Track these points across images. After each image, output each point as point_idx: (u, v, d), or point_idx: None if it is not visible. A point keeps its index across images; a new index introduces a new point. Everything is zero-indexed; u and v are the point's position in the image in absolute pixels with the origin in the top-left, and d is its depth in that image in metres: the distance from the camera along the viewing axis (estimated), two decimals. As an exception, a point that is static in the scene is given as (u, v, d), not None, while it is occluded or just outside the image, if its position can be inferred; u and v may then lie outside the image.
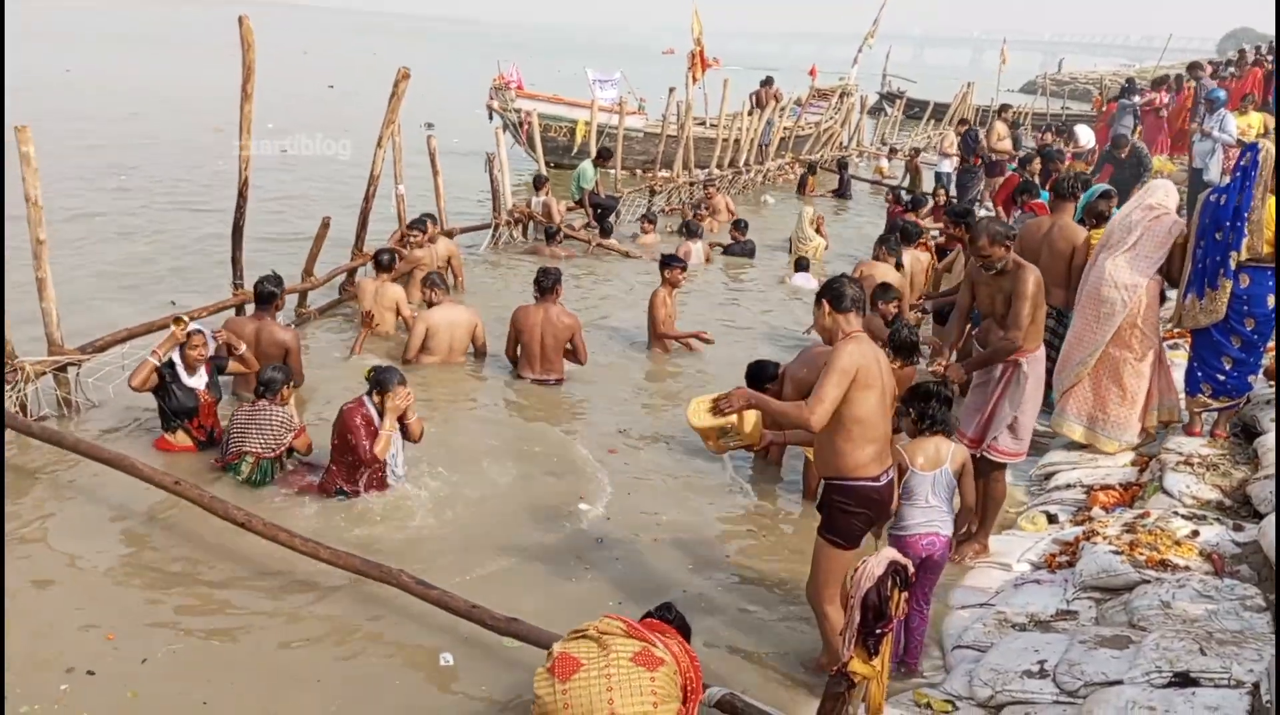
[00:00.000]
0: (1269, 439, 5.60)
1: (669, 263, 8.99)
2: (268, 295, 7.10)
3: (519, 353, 7.94)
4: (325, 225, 9.02)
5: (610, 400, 7.74)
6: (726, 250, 13.36)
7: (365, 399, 5.84)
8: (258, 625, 4.51)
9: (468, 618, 4.40)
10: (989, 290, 5.25)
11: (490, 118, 18.75)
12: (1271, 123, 13.19)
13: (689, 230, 12.48)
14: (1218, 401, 6.09)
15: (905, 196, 14.82)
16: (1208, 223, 5.92)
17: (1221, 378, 6.01)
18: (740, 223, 13.92)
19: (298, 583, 4.84)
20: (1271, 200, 5.71)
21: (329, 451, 5.83)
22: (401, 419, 5.87)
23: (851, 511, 4.02)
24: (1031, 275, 5.11)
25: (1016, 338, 5.12)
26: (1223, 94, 16.14)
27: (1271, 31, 25.79)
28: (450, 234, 11.34)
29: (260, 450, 5.83)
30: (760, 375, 6.35)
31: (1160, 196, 6.39)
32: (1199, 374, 6.13)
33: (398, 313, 8.64)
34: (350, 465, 5.73)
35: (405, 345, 8.00)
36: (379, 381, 5.81)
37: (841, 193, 19.04)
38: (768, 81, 22.37)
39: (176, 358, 6.24)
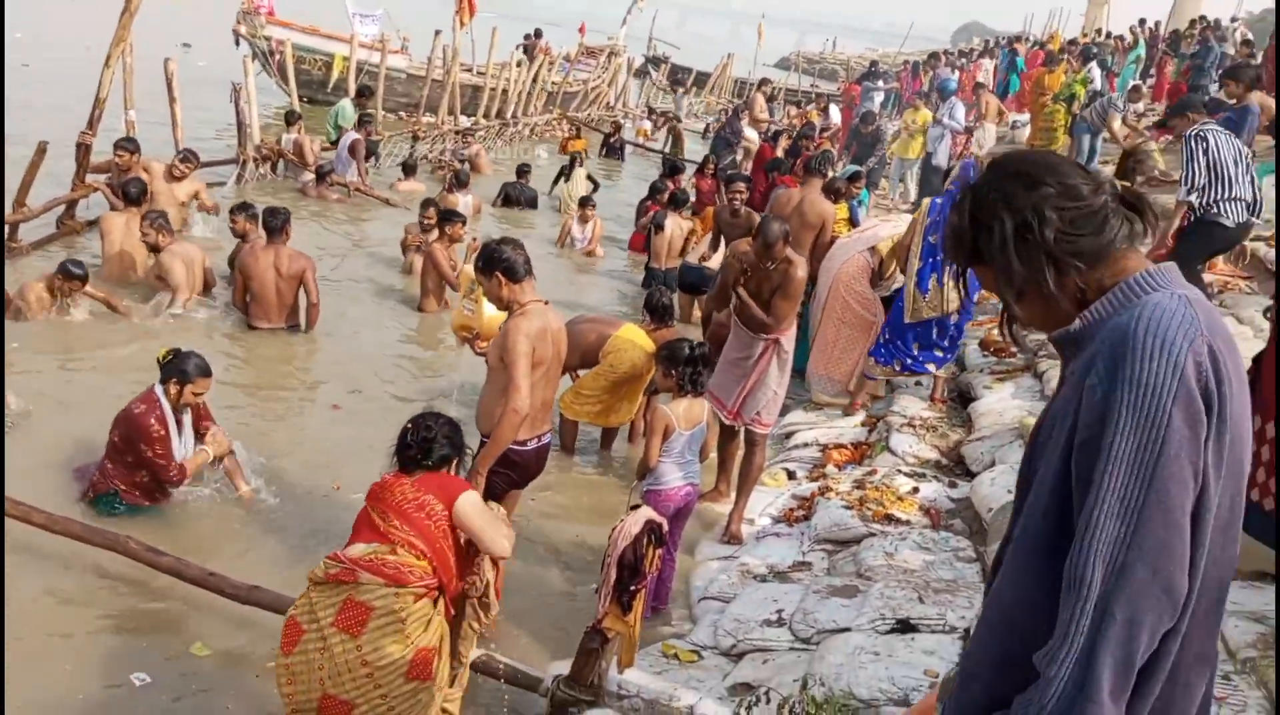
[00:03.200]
0: (981, 405, 6.22)
1: (449, 217, 8.67)
2: None
3: (249, 300, 7.44)
4: (41, 151, 8.05)
5: (355, 355, 7.42)
6: (506, 199, 13.15)
7: (158, 393, 4.79)
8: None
9: (205, 586, 4.12)
10: (757, 277, 5.32)
11: (237, 44, 17.39)
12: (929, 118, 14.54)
13: (458, 180, 12.19)
14: (903, 375, 6.81)
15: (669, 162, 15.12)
16: (929, 225, 6.48)
17: (909, 360, 6.64)
18: (523, 167, 13.74)
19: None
20: None
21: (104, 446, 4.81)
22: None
23: (495, 471, 4.10)
24: (800, 271, 5.25)
25: (773, 328, 5.33)
26: (953, 84, 17.62)
27: (999, 27, 28.30)
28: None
29: None
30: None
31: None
32: (889, 351, 6.69)
33: (150, 250, 7.72)
34: (132, 470, 4.77)
35: (160, 298, 7.33)
36: (180, 370, 4.77)
37: (614, 153, 19.17)
38: (538, 34, 22.13)
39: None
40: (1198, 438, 1.41)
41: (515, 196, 13.26)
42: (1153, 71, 19.17)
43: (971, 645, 1.66)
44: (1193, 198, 6.09)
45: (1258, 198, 6.19)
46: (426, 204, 9.26)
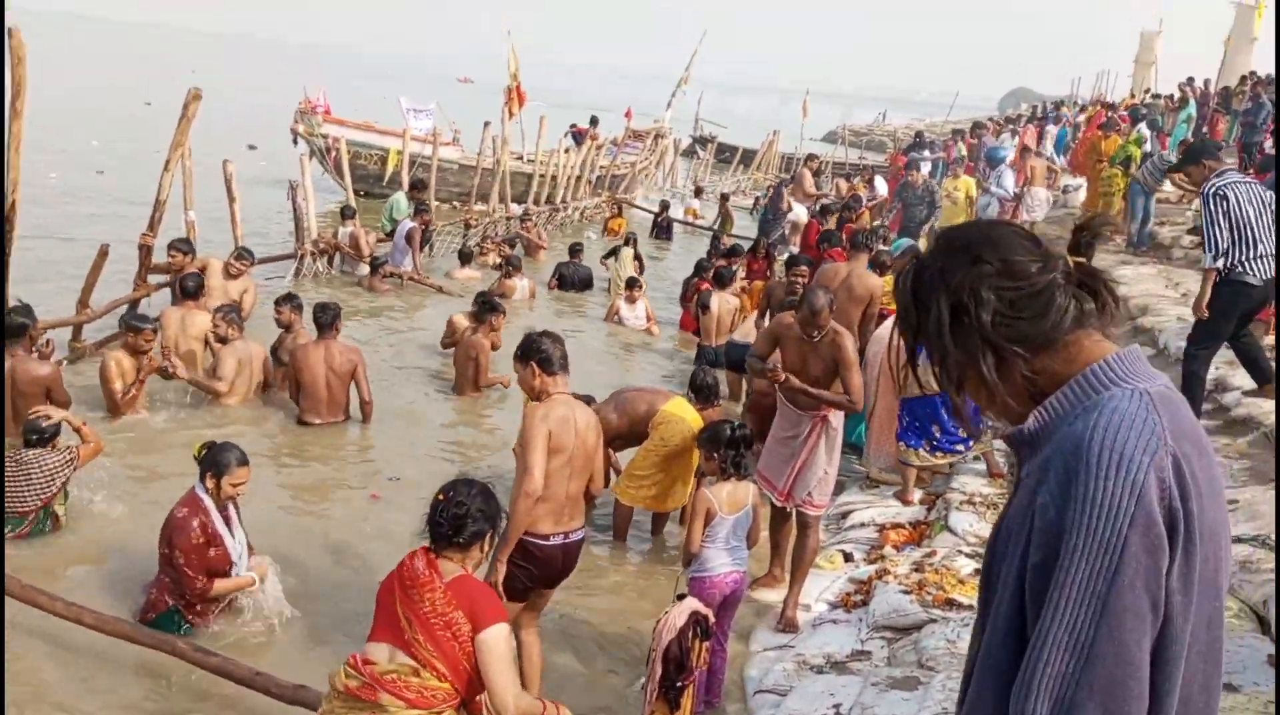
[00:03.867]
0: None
1: (491, 308, 8.71)
2: (17, 328, 6.33)
3: (299, 395, 7.51)
4: (103, 254, 8.33)
5: (397, 443, 7.44)
6: (560, 280, 13.31)
7: (199, 492, 4.64)
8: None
9: (252, 686, 4.09)
10: (799, 350, 5.18)
11: (295, 143, 18.04)
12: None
13: (510, 266, 12.40)
14: (935, 457, 6.53)
15: (721, 242, 15.22)
16: None
17: (933, 442, 6.44)
18: (575, 246, 13.91)
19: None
20: None
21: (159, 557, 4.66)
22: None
23: (515, 564, 3.99)
24: (848, 340, 5.14)
25: (858, 403, 5.21)
26: (1001, 152, 17.56)
27: (1046, 91, 28.32)
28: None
29: (35, 505, 5.23)
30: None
31: None
32: (912, 434, 6.50)
33: (206, 344, 7.98)
34: (179, 584, 4.63)
35: (205, 383, 7.47)
36: (215, 462, 4.63)
37: (663, 233, 19.39)
38: (594, 122, 22.76)
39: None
40: (1158, 566, 1.28)
41: (570, 277, 13.41)
42: (1205, 130, 18.92)
43: None
44: (1219, 263, 5.78)
45: None
46: (479, 298, 9.27)
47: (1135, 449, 1.28)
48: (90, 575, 5.06)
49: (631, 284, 11.81)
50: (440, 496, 3.32)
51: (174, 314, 8.02)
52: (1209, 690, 1.38)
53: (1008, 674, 1.35)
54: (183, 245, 9.21)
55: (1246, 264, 5.76)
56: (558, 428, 4.00)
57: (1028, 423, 1.41)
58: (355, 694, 3.07)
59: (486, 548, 3.38)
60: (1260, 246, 5.75)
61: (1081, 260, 1.46)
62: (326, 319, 7.50)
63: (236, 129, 23.09)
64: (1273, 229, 5.79)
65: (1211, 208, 5.74)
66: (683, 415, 5.99)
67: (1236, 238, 5.70)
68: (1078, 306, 1.41)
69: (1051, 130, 21.43)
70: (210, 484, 4.65)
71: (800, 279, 8.05)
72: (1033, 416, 1.40)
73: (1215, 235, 5.74)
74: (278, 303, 8.12)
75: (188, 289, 8.14)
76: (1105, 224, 1.50)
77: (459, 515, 3.23)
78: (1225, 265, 5.78)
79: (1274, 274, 5.84)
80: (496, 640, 3.10)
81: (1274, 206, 5.87)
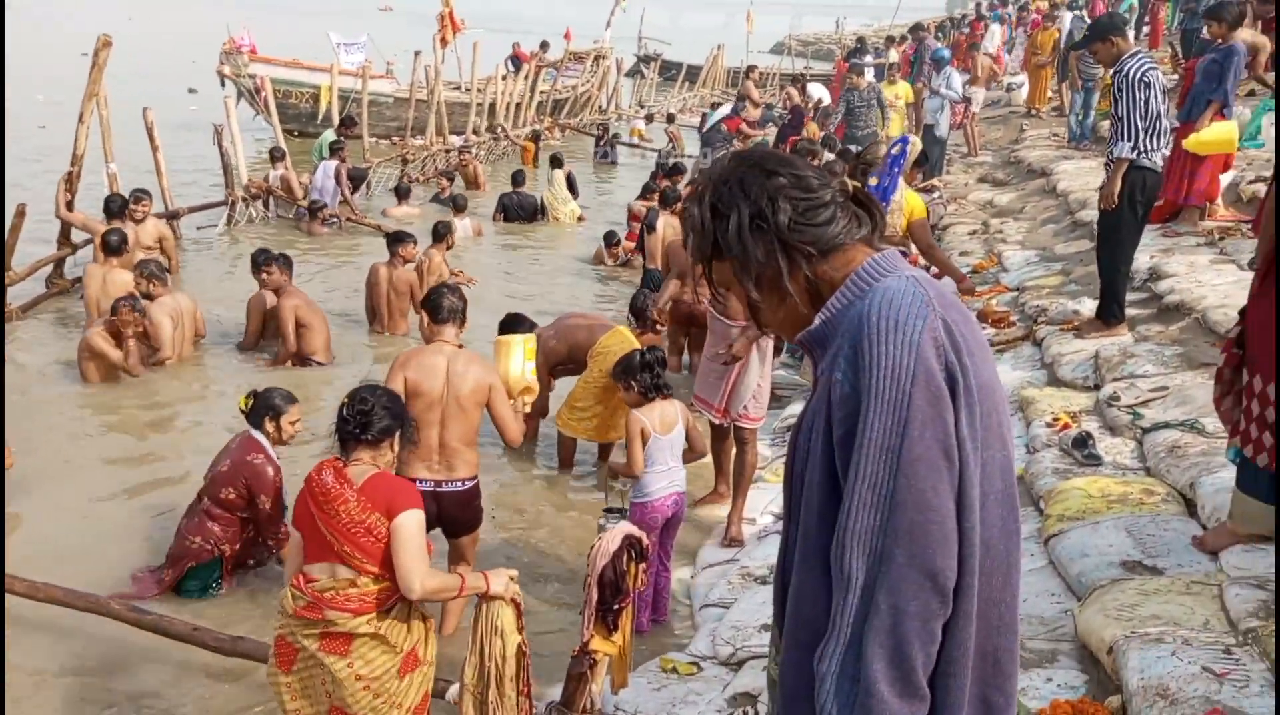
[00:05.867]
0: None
1: (399, 238, 8.51)
2: None
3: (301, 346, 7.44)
4: (20, 213, 8.04)
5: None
6: (505, 213, 13.07)
7: (259, 438, 4.69)
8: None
9: (189, 641, 4.05)
10: None
11: (222, 85, 17.41)
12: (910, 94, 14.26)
13: (455, 205, 12.14)
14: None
15: (668, 161, 14.97)
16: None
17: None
18: (518, 174, 13.66)
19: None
20: (909, 192, 6.37)
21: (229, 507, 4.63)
22: None
23: None
24: None
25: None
26: (946, 53, 17.31)
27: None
28: (176, 214, 10.47)
29: None
30: (514, 327, 6.19)
31: None
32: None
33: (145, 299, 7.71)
34: (243, 528, 4.68)
35: (146, 360, 7.15)
36: (270, 406, 4.68)
37: (606, 157, 19.08)
38: (543, 46, 22.38)
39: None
40: (942, 416, 1.40)
41: (514, 207, 13.16)
42: (1146, 20, 18.80)
43: (783, 666, 1.57)
44: (1134, 154, 5.49)
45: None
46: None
47: (909, 315, 1.42)
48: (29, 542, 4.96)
49: (610, 241, 11.30)
50: (346, 400, 3.28)
51: (95, 272, 7.68)
52: (1008, 534, 1.50)
53: (828, 548, 1.45)
54: (145, 194, 8.96)
55: (1154, 154, 5.56)
56: (417, 373, 4.11)
57: (814, 323, 1.54)
58: (303, 615, 3.10)
59: (396, 447, 3.34)
60: (1164, 138, 5.59)
61: (858, 184, 1.67)
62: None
63: (173, 73, 22.29)
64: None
65: (1135, 93, 5.46)
66: (623, 343, 5.92)
67: (1152, 127, 5.48)
68: (855, 221, 1.58)
69: (996, 29, 21.17)
70: (270, 427, 4.68)
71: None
72: (819, 317, 1.54)
73: (1134, 122, 5.47)
74: (264, 264, 7.50)
75: (110, 245, 7.81)
76: (875, 160, 1.63)
77: (365, 411, 3.20)
78: (1136, 152, 5.52)
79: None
80: (403, 525, 3.09)
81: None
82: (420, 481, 4.02)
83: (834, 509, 1.45)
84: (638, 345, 5.84)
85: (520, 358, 4.96)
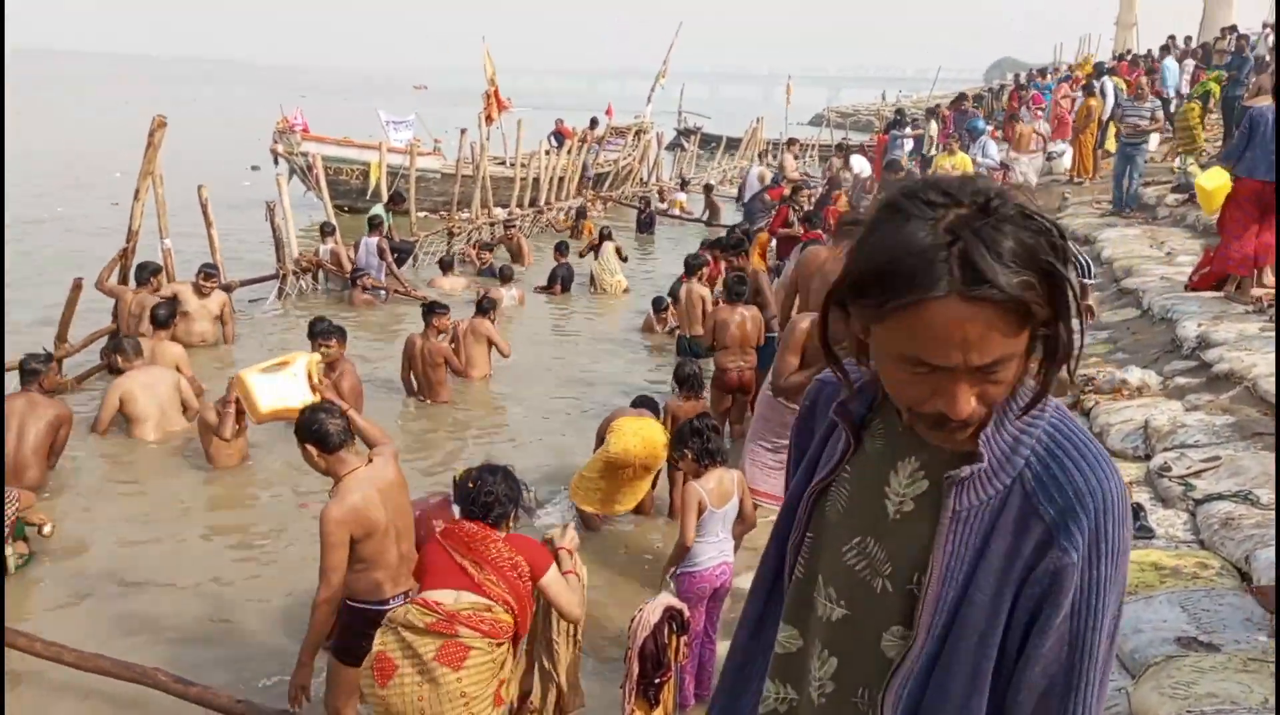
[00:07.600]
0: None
1: (431, 310, 8.58)
2: (32, 372, 6.48)
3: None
4: (76, 288, 8.30)
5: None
6: (563, 285, 13.34)
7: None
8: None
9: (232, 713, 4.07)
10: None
11: (275, 163, 18.00)
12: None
13: (501, 276, 12.40)
14: None
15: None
16: None
17: None
18: (561, 244, 13.90)
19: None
20: None
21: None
22: None
23: (358, 633, 3.72)
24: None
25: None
26: (981, 123, 17.49)
27: (1031, 59, 28.31)
28: (229, 287, 10.75)
29: None
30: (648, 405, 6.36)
31: None
32: None
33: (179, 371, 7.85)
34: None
35: (95, 419, 7.28)
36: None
37: (645, 228, 19.29)
38: (593, 123, 23.00)
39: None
40: None
41: (568, 278, 13.43)
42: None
43: None
44: None
45: None
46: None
47: (1118, 474, 1.39)
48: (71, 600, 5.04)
49: (659, 307, 11.38)
50: (471, 484, 3.59)
51: (144, 345, 7.78)
52: None
53: (979, 665, 1.37)
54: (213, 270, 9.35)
55: None
56: (356, 515, 3.70)
57: (983, 454, 1.35)
58: (435, 629, 3.31)
59: (511, 525, 3.66)
60: None
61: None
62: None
63: (231, 153, 22.94)
64: None
65: None
66: (636, 429, 5.74)
67: None
68: None
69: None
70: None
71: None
72: (986, 447, 1.35)
73: None
74: (320, 335, 7.03)
75: (159, 318, 8.05)
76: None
77: (488, 502, 3.55)
78: None
79: None
80: (555, 579, 3.59)
81: None
82: (392, 600, 3.80)
83: (995, 633, 1.37)
84: (656, 435, 5.73)
85: (274, 389, 4.84)
